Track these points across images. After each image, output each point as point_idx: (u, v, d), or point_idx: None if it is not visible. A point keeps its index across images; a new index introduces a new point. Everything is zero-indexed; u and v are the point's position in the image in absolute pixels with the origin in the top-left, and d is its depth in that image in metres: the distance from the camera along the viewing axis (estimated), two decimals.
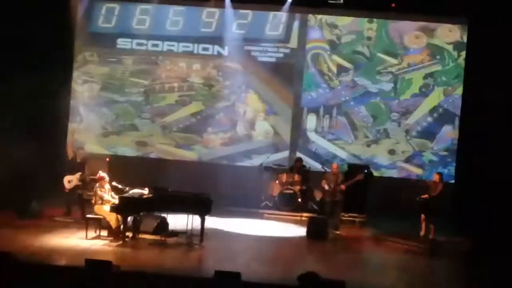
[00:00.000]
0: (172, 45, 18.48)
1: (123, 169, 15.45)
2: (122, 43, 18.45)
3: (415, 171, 17.94)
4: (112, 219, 12.52)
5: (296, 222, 15.74)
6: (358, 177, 15.10)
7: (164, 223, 13.10)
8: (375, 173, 17.24)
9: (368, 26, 18.18)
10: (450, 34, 17.99)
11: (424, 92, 18.05)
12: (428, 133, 18.03)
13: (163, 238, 12.72)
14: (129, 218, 12.58)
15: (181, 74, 18.57)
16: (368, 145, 18.17)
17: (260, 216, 16.19)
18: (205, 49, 18.45)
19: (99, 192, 12.73)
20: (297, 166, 17.02)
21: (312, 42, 18.35)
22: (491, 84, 16.53)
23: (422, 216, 14.29)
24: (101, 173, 13.02)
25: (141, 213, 12.84)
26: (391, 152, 18.09)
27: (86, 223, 12.64)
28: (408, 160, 18.02)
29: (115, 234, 12.53)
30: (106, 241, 12.41)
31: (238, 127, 18.49)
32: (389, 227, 15.10)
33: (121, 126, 18.47)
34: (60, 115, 17.43)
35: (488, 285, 11.57)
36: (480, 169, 16.47)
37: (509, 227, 14.40)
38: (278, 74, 18.30)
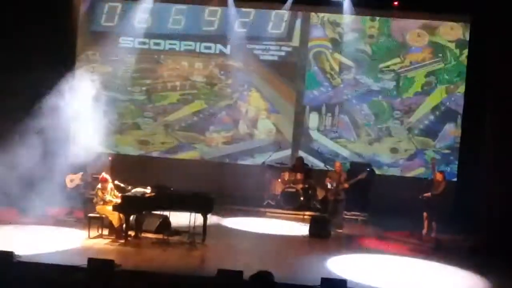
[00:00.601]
0: (174, 44, 18.50)
1: (125, 168, 15.46)
2: (124, 42, 18.46)
3: (418, 169, 17.93)
4: (115, 218, 12.51)
5: (298, 220, 15.74)
6: (361, 175, 15.10)
7: (166, 222, 13.11)
8: (377, 171, 17.27)
9: (370, 24, 18.18)
10: (452, 32, 17.98)
11: (426, 90, 18.05)
12: (431, 131, 18.03)
13: (165, 237, 12.71)
14: (132, 217, 12.59)
15: (183, 73, 18.59)
16: (371, 144, 18.18)
17: (263, 215, 16.19)
18: (207, 47, 18.46)
19: (100, 194, 12.73)
20: (298, 165, 17.01)
21: (314, 40, 18.36)
22: (493, 82, 16.50)
23: (425, 214, 14.29)
24: (104, 175, 12.98)
25: (144, 212, 12.84)
26: (394, 150, 18.10)
27: (88, 222, 12.66)
28: (410, 159, 18.02)
29: (117, 233, 12.53)
30: (109, 240, 12.41)
31: (240, 126, 18.51)
32: (391, 226, 15.10)
33: (123, 125, 18.50)
34: (62, 114, 17.42)
35: (490, 283, 11.56)
36: (482, 167, 16.45)
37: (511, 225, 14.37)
38: (280, 72, 18.31)
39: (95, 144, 14.30)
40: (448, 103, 17.99)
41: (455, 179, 17.49)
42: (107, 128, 16.06)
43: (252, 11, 18.33)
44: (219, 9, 18.28)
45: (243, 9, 18.31)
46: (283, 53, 18.38)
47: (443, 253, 13.28)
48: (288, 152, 18.25)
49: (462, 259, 12.83)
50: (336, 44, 18.27)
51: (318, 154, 17.96)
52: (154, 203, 12.76)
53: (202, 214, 12.63)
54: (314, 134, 18.32)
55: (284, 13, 18.21)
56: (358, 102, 18.22)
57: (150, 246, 12.31)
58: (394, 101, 18.13)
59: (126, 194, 12.72)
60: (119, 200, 12.53)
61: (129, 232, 12.49)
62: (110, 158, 15.31)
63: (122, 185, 13.15)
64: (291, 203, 16.46)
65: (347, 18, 18.03)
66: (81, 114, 16.22)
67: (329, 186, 14.93)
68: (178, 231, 13.02)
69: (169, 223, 13.14)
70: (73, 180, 14.32)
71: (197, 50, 18.50)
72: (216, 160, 18.32)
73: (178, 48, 18.52)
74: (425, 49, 18.07)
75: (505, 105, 16.04)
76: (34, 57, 16.27)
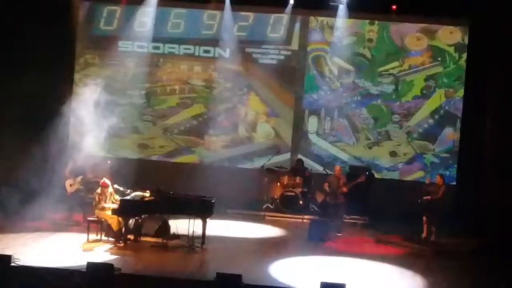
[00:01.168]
0: (173, 48, 18.50)
1: (124, 171, 15.44)
2: (123, 45, 18.46)
3: (417, 173, 17.93)
4: (114, 221, 12.51)
5: (297, 224, 15.73)
6: (361, 179, 15.10)
7: (165, 225, 13.09)
8: (377, 175, 17.27)
9: (369, 28, 18.20)
10: (451, 36, 17.99)
11: (425, 94, 18.06)
12: (430, 135, 18.03)
13: (164, 241, 12.71)
14: (131, 221, 12.58)
15: (182, 77, 18.59)
16: (370, 147, 18.17)
17: (262, 219, 16.19)
18: (206, 51, 18.47)
19: (96, 199, 12.73)
20: (297, 168, 17.02)
21: (313, 44, 18.36)
22: (492, 86, 16.54)
23: (424, 218, 14.27)
24: (106, 180, 12.96)
25: (143, 216, 12.83)
26: (393, 154, 18.09)
27: (87, 226, 12.64)
28: (409, 162, 18.02)
29: (116, 236, 12.52)
30: (108, 244, 12.40)
31: (240, 129, 18.51)
32: (390, 229, 15.08)
33: (122, 128, 18.46)
34: (61, 117, 17.43)
35: (490, 286, 11.56)
36: (481, 171, 16.48)
37: (511, 228, 14.38)
38: (279, 76, 18.31)
39: (94, 148, 14.32)
40: (447, 107, 18.00)
41: (454, 183, 17.48)
42: (106, 132, 16.07)
43: (251, 15, 18.34)
44: (218, 13, 18.28)
45: (242, 13, 18.32)
46: (282, 57, 18.38)
47: (442, 256, 13.28)
48: (287, 155, 18.24)
49: (461, 262, 12.85)
50: (335, 48, 18.26)
51: (317, 158, 17.96)
52: (153, 207, 12.75)
53: (201, 218, 12.63)
54: (313, 138, 18.33)
55: (283, 17, 18.21)
56: (357, 106, 18.22)
57: (149, 250, 12.31)
58: (393, 105, 18.14)
59: (125, 198, 12.72)
60: (116, 206, 12.52)
61: (128, 236, 12.49)
62: (109, 162, 15.32)
63: (121, 188, 13.15)
64: (290, 206, 16.46)
65: (346, 22, 18.03)
66: (80, 118, 16.22)
67: (327, 190, 14.94)
68: (177, 235, 13.01)
69: (168, 227, 13.12)
70: (73, 184, 14.32)
71: (196, 53, 18.51)
72: (215, 164, 18.30)
73: (177, 52, 18.53)
74: (424, 53, 18.08)
75: (504, 109, 16.09)
76: (33, 61, 16.28)
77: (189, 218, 12.54)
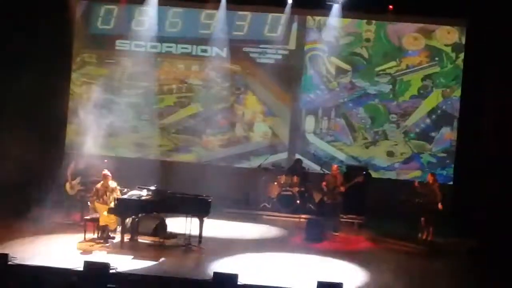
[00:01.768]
0: (171, 47, 18.50)
1: (121, 170, 15.42)
2: (120, 44, 18.45)
3: (414, 172, 17.94)
4: (111, 220, 12.49)
5: (294, 223, 15.73)
6: (357, 178, 15.11)
7: (162, 224, 13.09)
8: (374, 175, 17.27)
9: (367, 28, 18.20)
10: (448, 36, 18.00)
11: (422, 94, 18.07)
12: (427, 135, 18.04)
13: (161, 240, 12.71)
14: (128, 220, 12.57)
15: (179, 76, 18.58)
16: (367, 147, 18.18)
17: (259, 218, 16.18)
18: (203, 50, 18.46)
19: (98, 186, 12.68)
20: (296, 168, 17.03)
21: (311, 43, 18.36)
22: (489, 85, 16.56)
23: (422, 219, 14.25)
24: (106, 172, 12.93)
25: (140, 215, 12.81)
26: (390, 153, 18.10)
27: (84, 225, 12.62)
28: (406, 162, 18.03)
29: (107, 235, 12.50)
30: (105, 243, 12.39)
31: (237, 129, 18.51)
32: (387, 229, 15.10)
33: (120, 127, 18.42)
34: (59, 117, 17.44)
35: (487, 286, 11.58)
36: (478, 171, 16.50)
37: (508, 228, 14.41)
38: (276, 75, 18.30)
39: (91, 147, 14.30)
40: (444, 107, 18.00)
41: (451, 183, 17.50)
42: (104, 131, 16.08)
43: (248, 14, 18.34)
44: (215, 12, 18.27)
45: (240, 13, 18.31)
46: (279, 56, 18.38)
47: (439, 256, 13.30)
48: (284, 155, 18.25)
49: (458, 261, 12.87)
50: (333, 47, 18.26)
51: (314, 158, 17.96)
52: (150, 206, 12.75)
53: (198, 217, 12.63)
54: (310, 137, 18.33)
55: (281, 16, 18.21)
56: (354, 105, 18.22)
57: (146, 249, 12.30)
58: (390, 105, 18.14)
59: (122, 197, 12.71)
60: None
61: (125, 235, 12.47)
62: (105, 161, 15.30)
63: (118, 187, 13.12)
64: (287, 206, 16.44)
65: (343, 21, 18.03)
66: (77, 117, 16.24)
67: (325, 189, 14.95)
68: (174, 234, 13.01)
69: (165, 225, 13.12)
70: (73, 186, 14.31)
71: (194, 53, 18.50)
72: (213, 163, 18.29)
73: (174, 51, 18.52)
74: (421, 52, 18.09)
75: (501, 108, 16.12)
76: (30, 60, 16.28)
77: (186, 217, 12.55)
